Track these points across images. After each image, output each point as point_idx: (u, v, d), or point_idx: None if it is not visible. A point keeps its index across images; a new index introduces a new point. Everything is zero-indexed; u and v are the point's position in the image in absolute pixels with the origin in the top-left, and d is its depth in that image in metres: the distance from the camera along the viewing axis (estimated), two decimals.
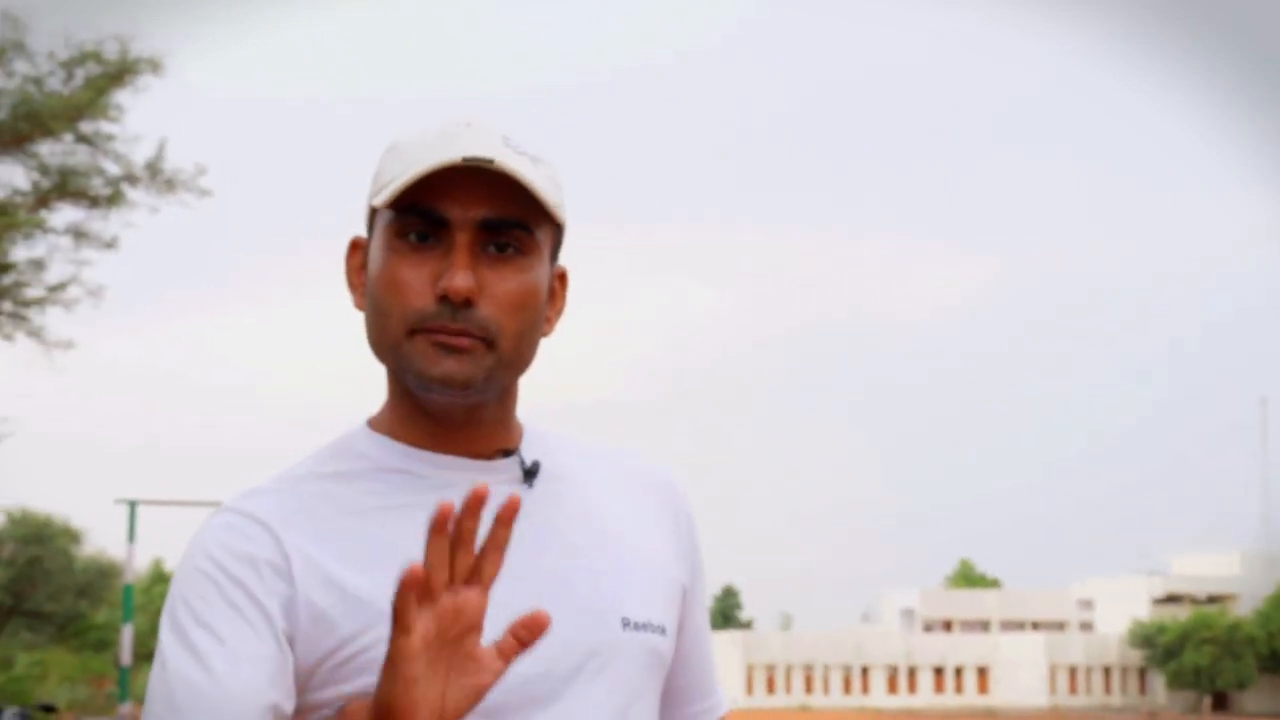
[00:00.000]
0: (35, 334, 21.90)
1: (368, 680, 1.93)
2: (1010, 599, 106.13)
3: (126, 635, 30.52)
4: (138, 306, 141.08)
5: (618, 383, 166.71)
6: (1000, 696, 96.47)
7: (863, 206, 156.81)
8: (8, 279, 21.49)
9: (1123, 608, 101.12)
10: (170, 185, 21.78)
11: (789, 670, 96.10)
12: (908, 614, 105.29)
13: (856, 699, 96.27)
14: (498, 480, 2.06)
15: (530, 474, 2.09)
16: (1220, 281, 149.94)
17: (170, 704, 1.94)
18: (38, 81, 20.73)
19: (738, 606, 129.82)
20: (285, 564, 1.97)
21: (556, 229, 2.08)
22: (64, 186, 21.44)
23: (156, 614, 78.00)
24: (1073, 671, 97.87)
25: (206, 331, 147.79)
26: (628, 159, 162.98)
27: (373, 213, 2.06)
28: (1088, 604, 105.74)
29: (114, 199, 21.69)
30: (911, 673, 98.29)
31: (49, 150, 21.34)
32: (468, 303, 1.96)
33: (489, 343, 1.98)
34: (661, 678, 2.14)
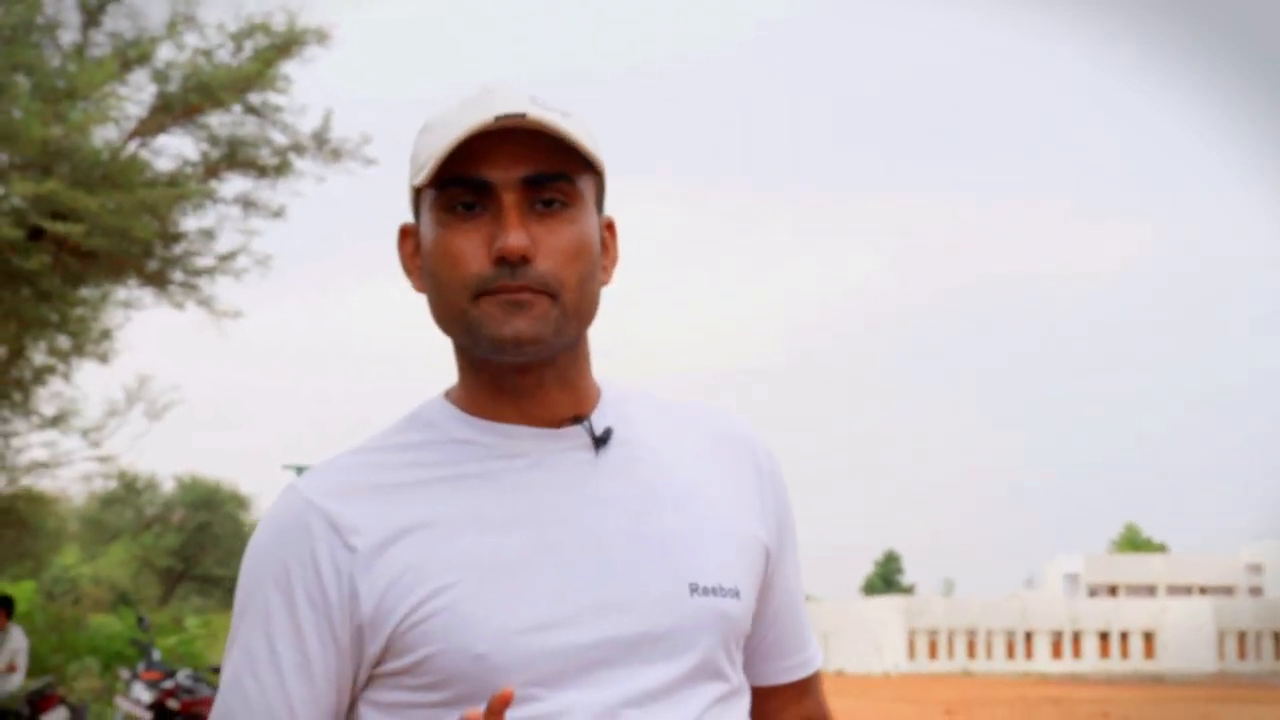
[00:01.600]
0: (205, 303, 22.20)
1: (430, 649, 1.98)
2: (1177, 563, 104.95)
3: None
4: (303, 275, 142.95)
5: (773, 351, 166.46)
6: (1167, 662, 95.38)
7: (1017, 174, 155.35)
8: (178, 249, 21.81)
9: None
10: (336, 154, 21.99)
11: (951, 635, 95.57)
12: (1072, 579, 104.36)
13: (1020, 664, 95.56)
14: (566, 448, 2.09)
15: (600, 441, 2.10)
16: None
17: (224, 707, 2.05)
18: (207, 54, 21.01)
19: (899, 571, 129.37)
20: (346, 552, 2.01)
21: (597, 179, 2.10)
22: (233, 157, 21.71)
23: None
24: (1241, 636, 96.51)
25: (371, 299, 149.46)
26: (766, 125, 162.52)
27: (416, 196, 2.09)
28: (1256, 568, 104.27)
29: (281, 168, 21.93)
30: (1076, 638, 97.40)
31: (218, 121, 21.62)
32: (524, 260, 1.98)
33: (551, 296, 2.00)
34: (735, 641, 2.13)
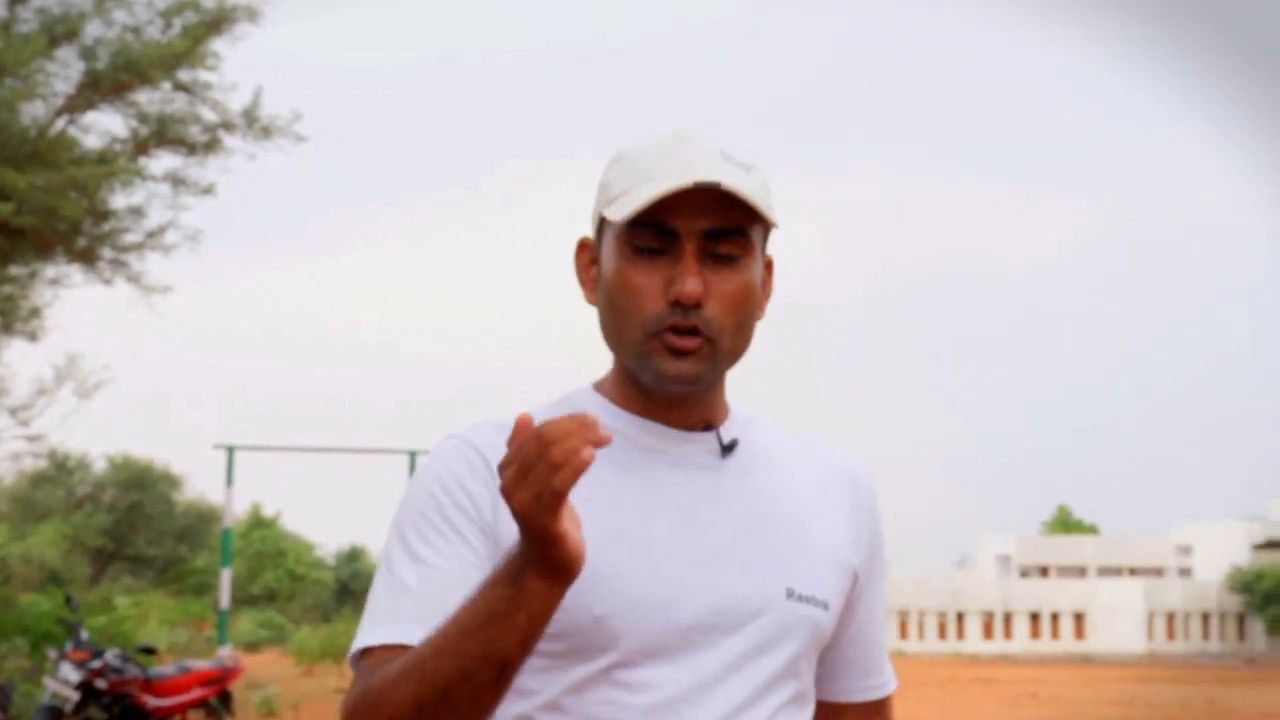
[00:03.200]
0: (134, 279, 22.08)
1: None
2: (1108, 545, 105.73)
3: (225, 579, 30.76)
4: (233, 254, 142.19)
5: None
6: (1097, 643, 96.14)
7: (957, 153, 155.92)
8: (108, 226, 21.67)
9: (1221, 554, 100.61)
10: (266, 131, 21.89)
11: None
12: (1004, 560, 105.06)
13: (952, 644, 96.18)
14: (697, 450, 2.29)
15: (727, 449, 2.30)
16: None
17: (392, 606, 2.15)
18: (136, 30, 20.86)
19: None
20: (493, 500, 2.19)
21: (768, 227, 2.27)
22: (162, 134, 21.58)
23: (255, 558, 78.99)
24: (1170, 617, 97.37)
25: (302, 279, 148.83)
26: (707, 107, 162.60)
27: (601, 220, 2.27)
28: (1186, 550, 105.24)
29: (211, 145, 21.82)
30: (1007, 619, 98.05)
31: (147, 99, 21.47)
32: (697, 305, 2.18)
33: (714, 343, 2.20)
34: (818, 650, 2.32)
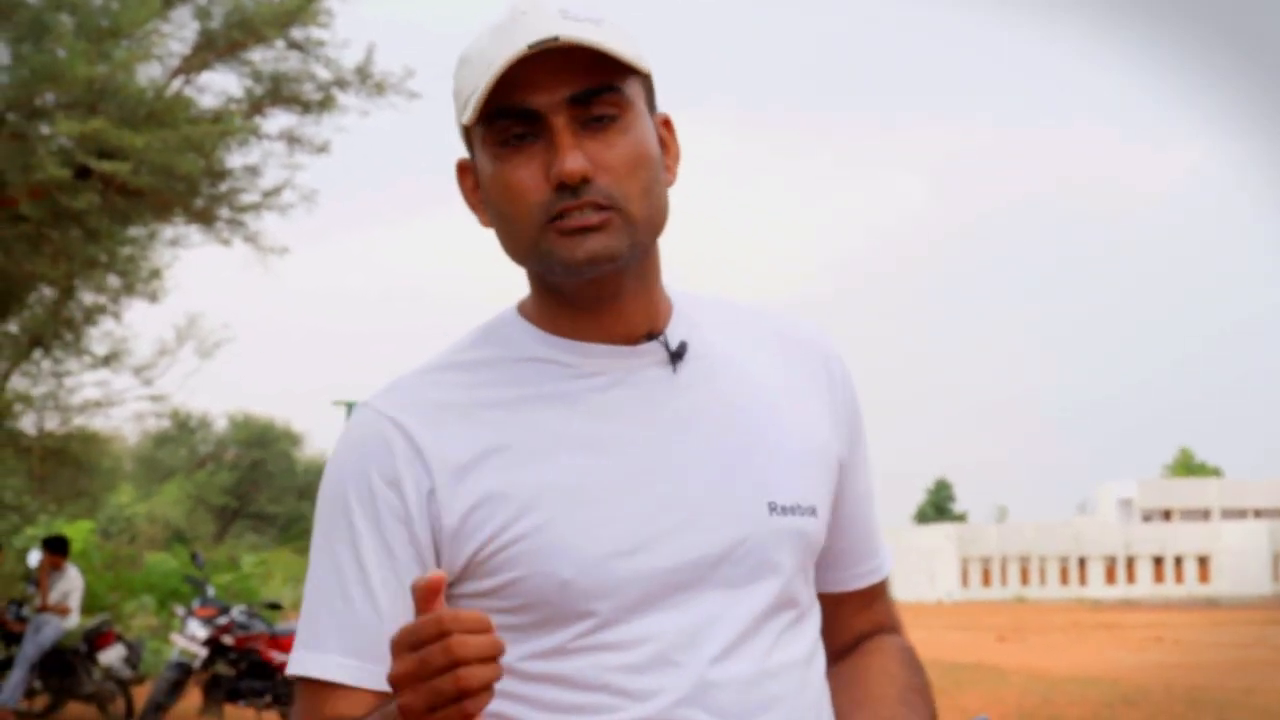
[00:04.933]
0: (251, 239, 22.20)
1: (514, 574, 1.97)
2: (1231, 487, 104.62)
3: None
4: (348, 213, 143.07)
5: (820, 280, 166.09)
6: (1222, 586, 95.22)
7: (1058, 97, 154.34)
8: (224, 186, 21.79)
9: None
10: (380, 88, 21.92)
11: (1004, 562, 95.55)
12: (1125, 504, 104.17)
13: (1074, 590, 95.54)
14: (643, 364, 2.07)
15: (676, 356, 2.08)
16: None
17: (312, 628, 2.03)
18: None
19: (951, 499, 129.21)
20: (426, 473, 2.00)
21: (645, 80, 2.06)
22: (276, 93, 21.64)
23: None
24: None
25: (416, 235, 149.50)
26: (808, 52, 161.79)
27: (468, 132, 2.06)
28: None
29: (325, 103, 21.87)
30: (1130, 563, 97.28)
31: (261, 57, 21.54)
32: (585, 180, 1.96)
33: (619, 211, 1.98)
34: (812, 559, 2.14)
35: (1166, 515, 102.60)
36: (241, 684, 16.27)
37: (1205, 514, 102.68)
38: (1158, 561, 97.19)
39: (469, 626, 1.68)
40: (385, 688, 1.96)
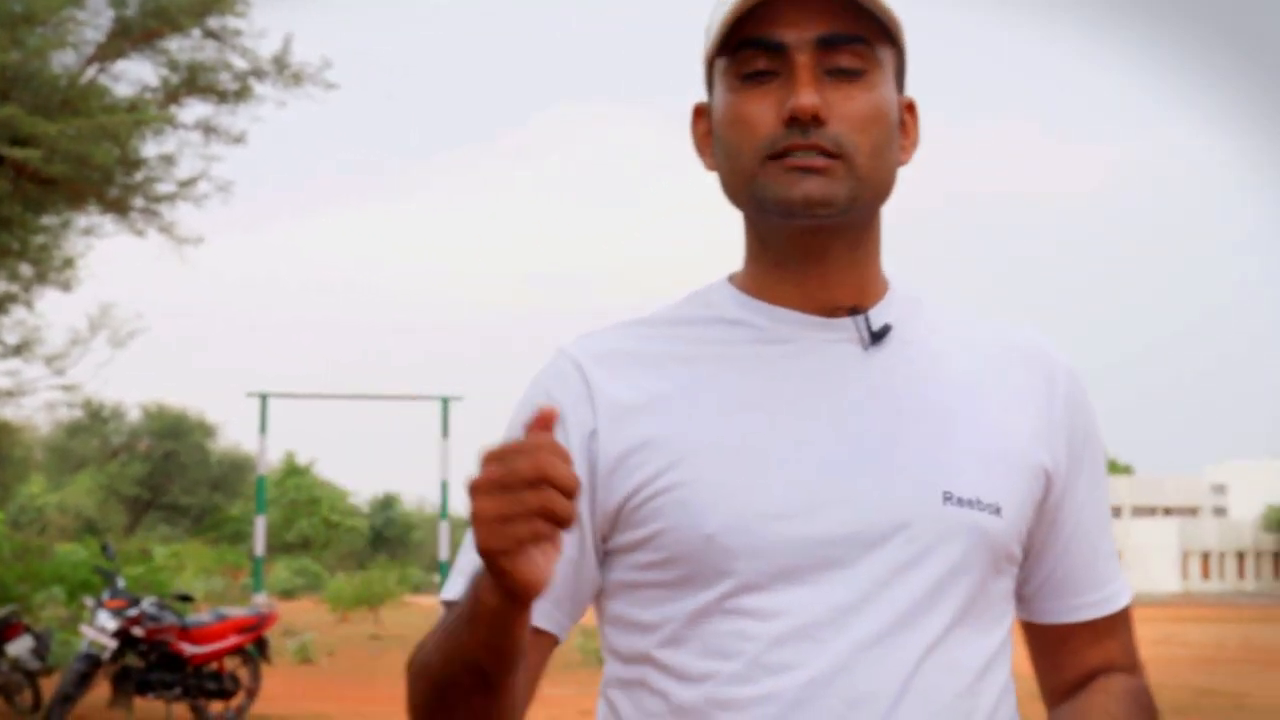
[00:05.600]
0: (166, 230, 22.06)
1: (660, 525, 1.93)
2: (1142, 485, 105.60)
3: (260, 527, 30.83)
4: (264, 203, 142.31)
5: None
6: (1132, 583, 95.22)
7: (986, 95, 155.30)
8: (139, 175, 21.64)
9: (1256, 492, 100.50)
10: (297, 79, 21.83)
11: None
12: None
13: None
14: (838, 339, 2.01)
15: (877, 337, 2.02)
16: None
17: (466, 555, 1.95)
18: None
19: None
20: (592, 413, 1.98)
21: (898, 54, 2.02)
22: (192, 82, 21.52)
23: (289, 506, 79.26)
24: (1205, 557, 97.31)
25: (331, 228, 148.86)
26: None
27: (710, 71, 2.03)
28: (1221, 489, 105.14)
29: (242, 93, 21.76)
30: None
31: (177, 46, 21.41)
32: (817, 119, 1.91)
33: (845, 160, 1.93)
34: (999, 562, 2.00)
35: None
36: (151, 676, 16.17)
37: (1116, 511, 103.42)
38: None
39: (562, 454, 1.64)
40: (537, 622, 1.96)
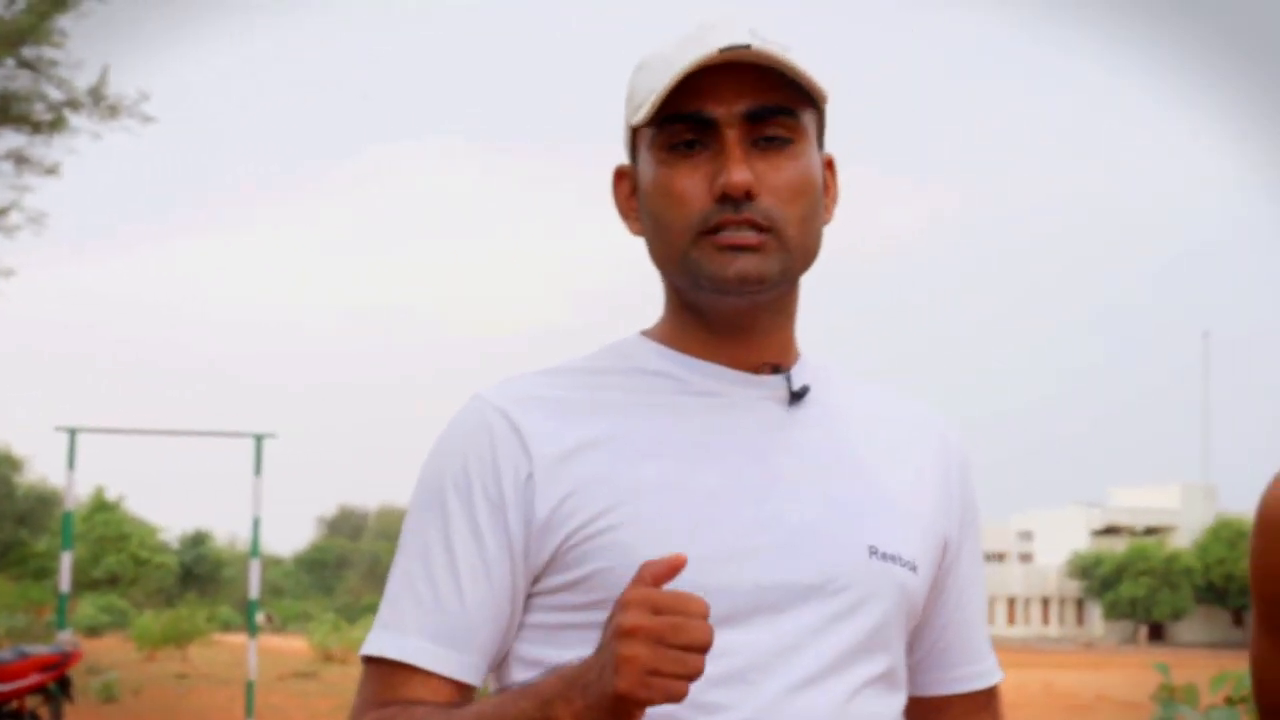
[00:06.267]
0: None
1: (599, 565, 1.94)
2: None
3: (66, 563, 30.17)
4: (75, 234, 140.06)
5: (561, 314, 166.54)
6: None
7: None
8: None
9: (1062, 539, 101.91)
10: (113, 111, 21.59)
11: None
12: None
13: None
14: (761, 396, 2.05)
15: (797, 396, 2.06)
16: (1168, 220, 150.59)
17: (396, 610, 1.99)
18: None
19: None
20: (526, 458, 1.98)
21: (819, 115, 2.05)
22: (5, 111, 21.23)
23: (97, 542, 77.92)
24: (1011, 602, 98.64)
25: (146, 263, 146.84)
26: (551, 86, 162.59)
27: (634, 136, 2.05)
28: (1027, 535, 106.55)
29: (56, 124, 21.48)
30: None
31: None
32: (748, 195, 1.94)
33: (776, 234, 1.96)
34: (909, 618, 2.07)
35: None
36: None
37: None
38: None
39: (708, 619, 1.69)
40: (461, 676, 1.97)
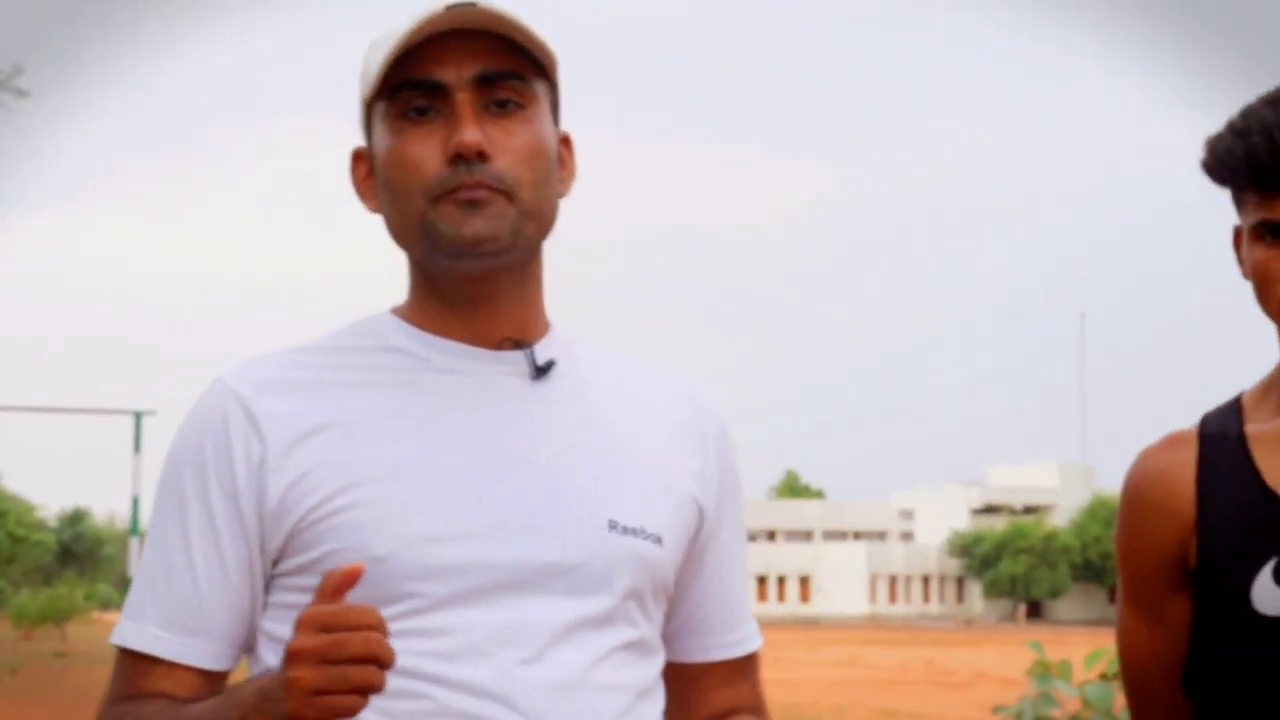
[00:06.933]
0: None
1: (330, 547, 1.95)
2: (832, 509, 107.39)
3: (134, 550, 29.97)
4: None
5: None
6: (822, 605, 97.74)
7: (699, 117, 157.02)
8: None
9: (942, 518, 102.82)
10: None
11: None
12: None
13: None
14: (503, 372, 2.05)
15: (541, 370, 2.06)
16: (1042, 201, 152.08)
17: (137, 594, 2.01)
18: None
19: None
20: (260, 442, 1.98)
21: (551, 88, 2.06)
22: None
23: None
24: (893, 580, 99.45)
25: (29, 239, 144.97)
26: None
27: (368, 114, 2.05)
28: (908, 514, 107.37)
29: None
30: None
31: None
32: (481, 156, 1.95)
33: (509, 195, 1.96)
34: (657, 591, 2.08)
35: (771, 535, 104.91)
36: None
37: (808, 535, 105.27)
38: (761, 580, 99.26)
39: (384, 629, 1.72)
40: (200, 663, 1.98)
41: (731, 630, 2.22)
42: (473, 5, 1.94)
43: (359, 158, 2.10)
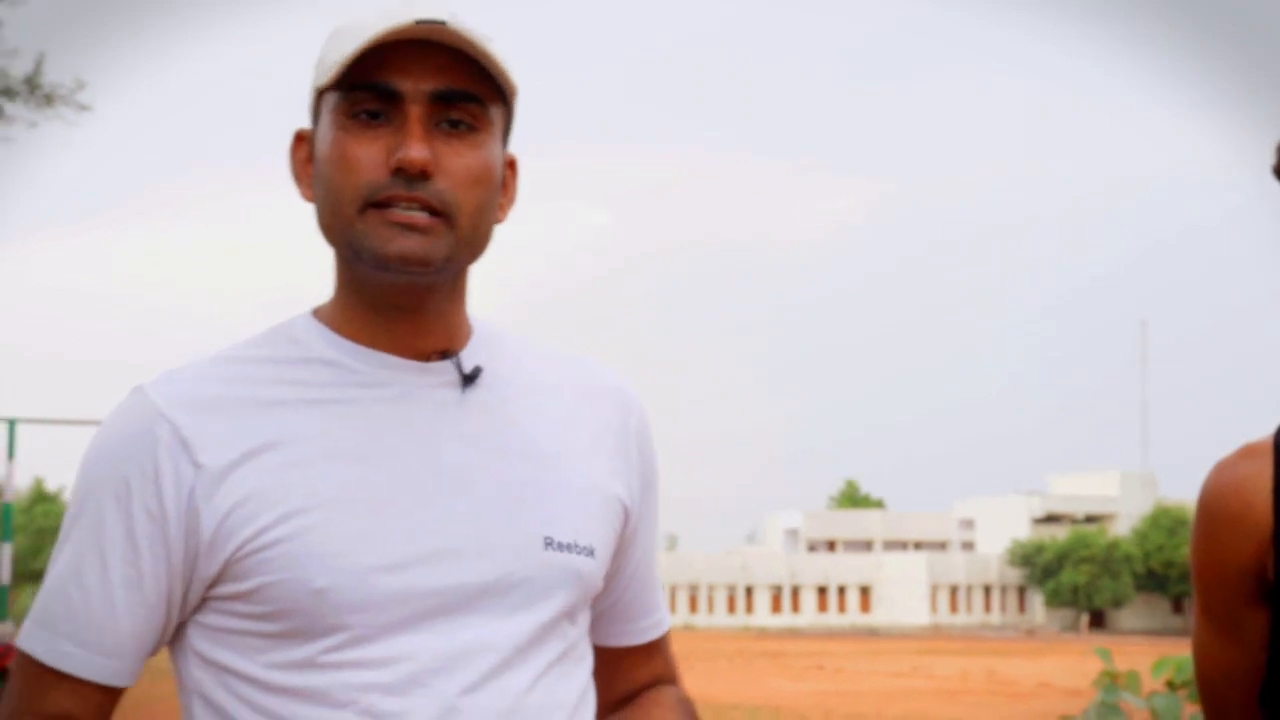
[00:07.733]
0: None
1: (268, 578, 1.91)
2: (893, 519, 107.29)
3: (6, 555, 30.15)
4: (18, 223, 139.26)
5: (504, 301, 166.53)
6: (882, 615, 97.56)
7: (751, 131, 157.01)
8: None
9: (1003, 528, 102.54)
10: (49, 100, 21.44)
11: (674, 590, 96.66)
12: (792, 534, 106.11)
13: (741, 618, 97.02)
14: (433, 383, 2.01)
15: (469, 379, 2.03)
16: (1106, 213, 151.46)
17: (46, 612, 1.97)
18: None
19: None
20: (191, 468, 1.92)
21: (507, 113, 2.02)
22: None
23: (37, 534, 77.41)
24: (953, 590, 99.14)
25: (90, 248, 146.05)
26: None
27: (318, 100, 2.00)
28: (969, 524, 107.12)
29: None
30: (795, 592, 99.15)
31: None
32: (424, 174, 1.91)
33: (447, 219, 1.92)
34: (586, 599, 2.08)
35: (831, 546, 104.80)
36: None
37: (868, 545, 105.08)
38: (822, 591, 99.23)
39: None
40: (108, 681, 1.96)
41: (650, 615, 2.27)
42: (443, 24, 1.90)
43: (301, 140, 2.06)
